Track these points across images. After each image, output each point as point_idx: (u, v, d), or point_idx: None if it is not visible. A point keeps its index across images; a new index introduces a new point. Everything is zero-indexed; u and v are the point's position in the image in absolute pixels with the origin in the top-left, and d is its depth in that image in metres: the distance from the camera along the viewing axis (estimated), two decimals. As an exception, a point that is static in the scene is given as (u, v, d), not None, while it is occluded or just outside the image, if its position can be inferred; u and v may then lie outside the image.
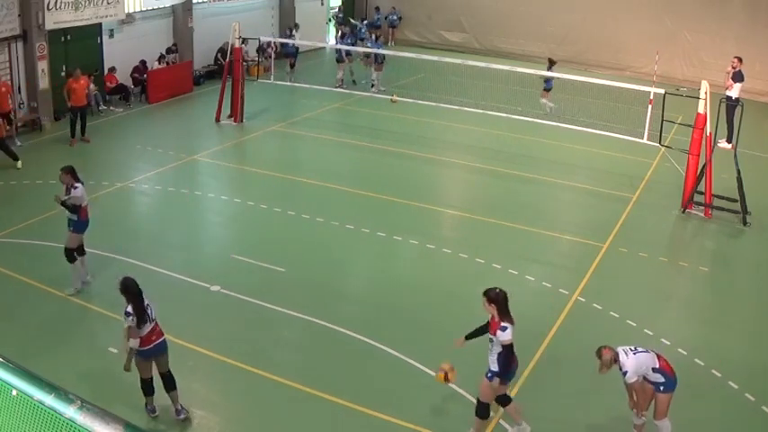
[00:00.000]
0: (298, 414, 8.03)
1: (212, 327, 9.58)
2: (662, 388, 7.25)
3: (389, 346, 9.17)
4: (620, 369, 7.17)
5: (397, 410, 8.03)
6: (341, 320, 9.66)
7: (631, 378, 7.11)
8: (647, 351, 7.28)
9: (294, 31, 24.67)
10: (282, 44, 22.95)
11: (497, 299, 7.08)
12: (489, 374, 7.20)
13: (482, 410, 7.37)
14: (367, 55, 21.93)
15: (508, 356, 7.07)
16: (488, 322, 7.27)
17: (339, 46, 22.88)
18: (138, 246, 11.73)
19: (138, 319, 7.24)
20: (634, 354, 7.17)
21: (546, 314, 10.16)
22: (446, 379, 7.55)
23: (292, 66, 23.37)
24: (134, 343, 7.28)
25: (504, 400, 7.53)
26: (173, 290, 10.49)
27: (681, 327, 10.35)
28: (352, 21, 27.93)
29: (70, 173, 9.87)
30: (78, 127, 16.51)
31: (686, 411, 8.42)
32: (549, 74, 18.92)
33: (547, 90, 19.97)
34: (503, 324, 7.01)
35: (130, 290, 7.31)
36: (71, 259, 10.02)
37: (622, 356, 7.16)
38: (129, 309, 7.23)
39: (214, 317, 9.84)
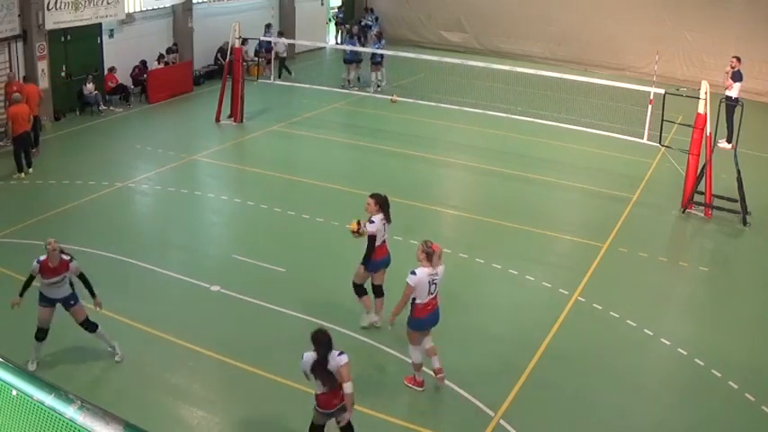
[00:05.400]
0: (298, 414, 8.02)
1: (212, 327, 9.58)
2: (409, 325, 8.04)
3: (390, 347, 9.18)
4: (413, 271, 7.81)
5: (398, 410, 8.05)
6: (341, 320, 9.65)
7: (413, 280, 7.78)
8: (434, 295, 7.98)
9: (269, 31, 23.87)
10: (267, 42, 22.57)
11: (384, 201, 8.98)
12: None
13: (357, 290, 9.26)
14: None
15: (371, 246, 8.82)
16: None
17: (348, 47, 22.59)
18: (138, 246, 11.72)
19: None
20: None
21: (546, 314, 10.16)
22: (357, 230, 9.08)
23: (276, 63, 22.79)
24: None
25: (359, 291, 9.29)
26: (173, 290, 10.51)
27: (681, 327, 10.35)
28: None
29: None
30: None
31: (686, 411, 8.44)
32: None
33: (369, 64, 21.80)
34: (371, 218, 8.63)
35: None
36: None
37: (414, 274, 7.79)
38: None
39: (214, 317, 9.83)
